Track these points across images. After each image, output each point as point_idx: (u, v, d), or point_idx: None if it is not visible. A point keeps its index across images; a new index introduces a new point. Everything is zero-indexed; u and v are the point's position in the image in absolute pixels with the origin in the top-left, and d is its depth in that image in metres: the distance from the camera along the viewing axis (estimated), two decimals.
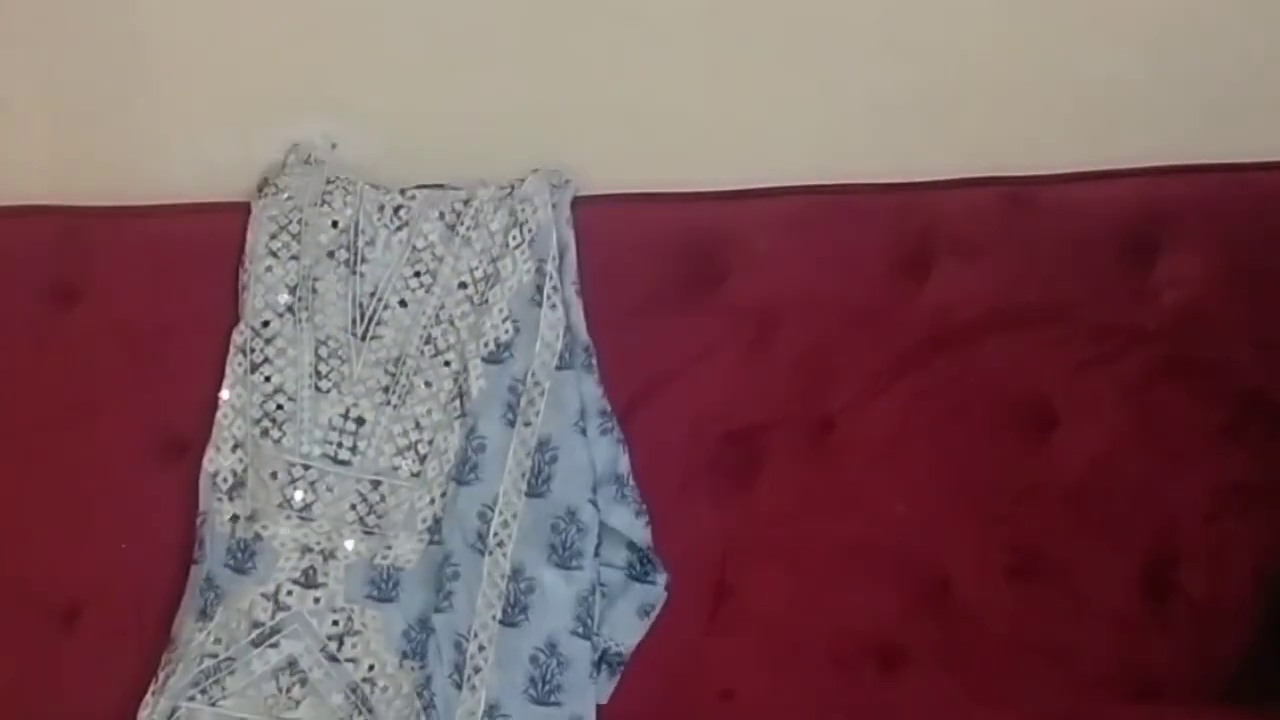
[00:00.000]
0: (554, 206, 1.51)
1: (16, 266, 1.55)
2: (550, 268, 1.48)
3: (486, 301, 1.51)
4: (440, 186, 1.56)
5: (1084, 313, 1.51)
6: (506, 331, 1.49)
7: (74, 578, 1.52)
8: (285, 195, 1.53)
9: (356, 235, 1.52)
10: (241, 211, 1.54)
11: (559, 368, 1.48)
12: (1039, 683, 1.49)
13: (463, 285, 1.52)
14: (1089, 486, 1.51)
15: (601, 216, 1.53)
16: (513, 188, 1.53)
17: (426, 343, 1.52)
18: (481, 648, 1.46)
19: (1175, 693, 1.49)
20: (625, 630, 1.49)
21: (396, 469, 1.51)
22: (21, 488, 1.53)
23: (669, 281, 1.53)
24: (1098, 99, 1.58)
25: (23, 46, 1.61)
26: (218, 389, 1.51)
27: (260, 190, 1.55)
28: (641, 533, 1.49)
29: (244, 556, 1.50)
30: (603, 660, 1.49)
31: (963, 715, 1.48)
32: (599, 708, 1.47)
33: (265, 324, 1.51)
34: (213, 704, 1.46)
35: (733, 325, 1.52)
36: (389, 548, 1.50)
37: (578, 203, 1.53)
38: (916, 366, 1.51)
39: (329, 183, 1.54)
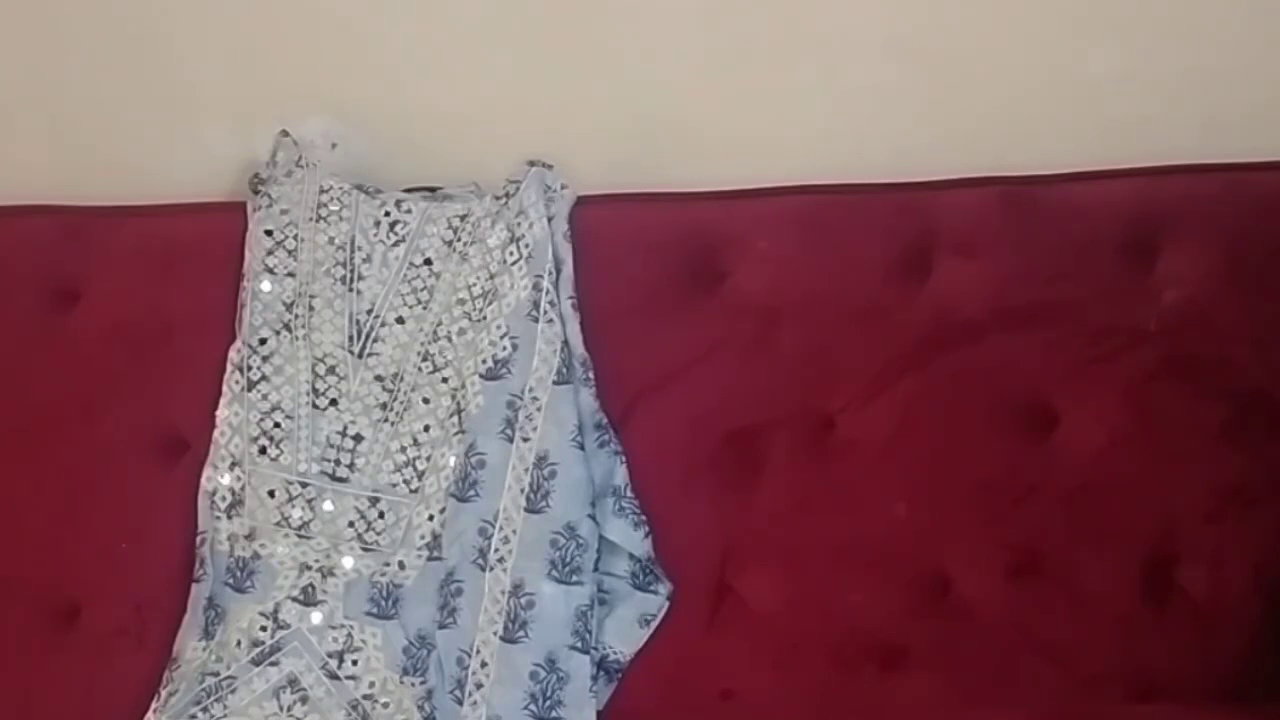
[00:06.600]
0: (551, 219, 1.50)
1: (16, 266, 1.56)
2: (546, 283, 1.48)
3: (484, 318, 1.50)
4: (438, 189, 1.57)
5: (1084, 313, 1.51)
6: (504, 348, 1.48)
7: (74, 578, 1.52)
8: (280, 208, 1.53)
9: (353, 252, 1.52)
10: (241, 211, 1.54)
11: (556, 383, 1.47)
12: (1038, 683, 1.49)
13: (460, 302, 1.52)
14: (1089, 486, 1.51)
15: (601, 217, 1.53)
16: (508, 194, 1.52)
17: (424, 360, 1.52)
18: (484, 664, 1.46)
19: (1175, 693, 1.49)
20: (624, 639, 1.49)
21: (394, 485, 1.51)
22: (22, 487, 1.53)
23: (669, 281, 1.53)
24: (1098, 99, 1.58)
25: (23, 47, 1.61)
26: (218, 389, 1.52)
27: (252, 188, 1.55)
28: (641, 545, 1.49)
29: (243, 575, 1.50)
30: (601, 668, 1.48)
31: (963, 715, 1.48)
32: (597, 713, 1.47)
33: (262, 341, 1.51)
34: None
35: (733, 325, 1.52)
36: (388, 564, 1.50)
37: (577, 203, 1.53)
38: (916, 366, 1.51)
39: (323, 192, 1.54)
